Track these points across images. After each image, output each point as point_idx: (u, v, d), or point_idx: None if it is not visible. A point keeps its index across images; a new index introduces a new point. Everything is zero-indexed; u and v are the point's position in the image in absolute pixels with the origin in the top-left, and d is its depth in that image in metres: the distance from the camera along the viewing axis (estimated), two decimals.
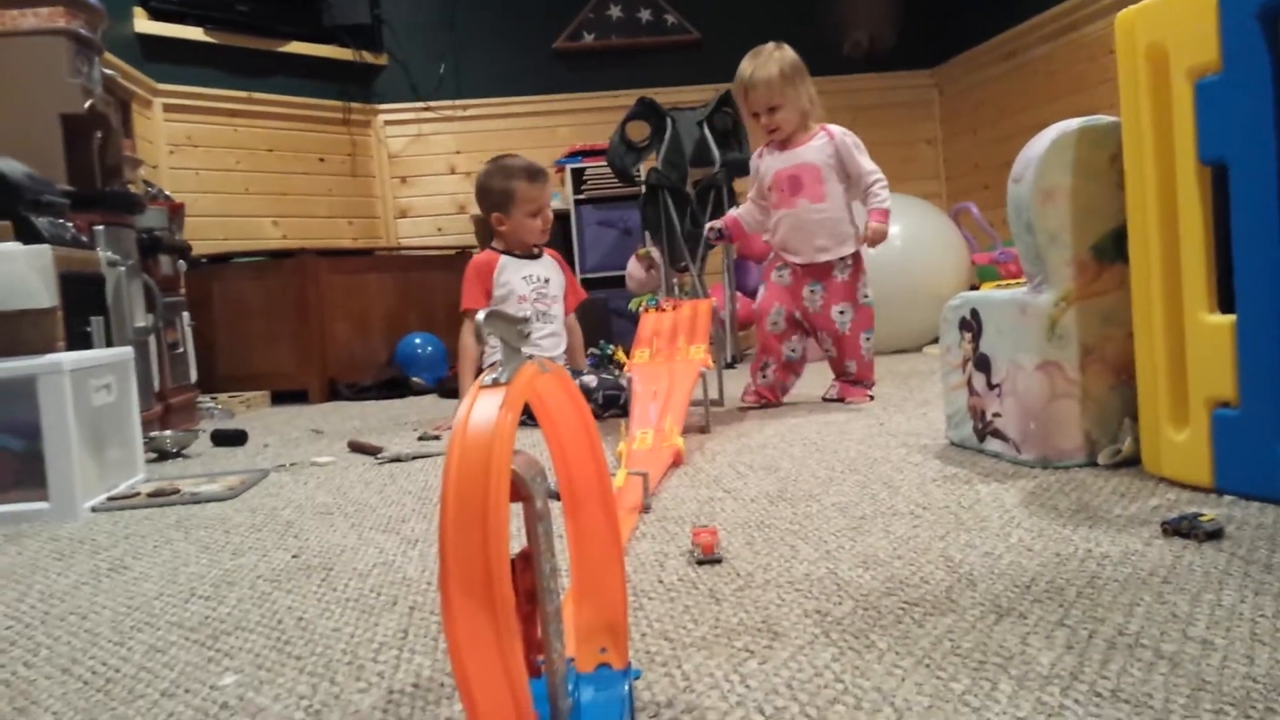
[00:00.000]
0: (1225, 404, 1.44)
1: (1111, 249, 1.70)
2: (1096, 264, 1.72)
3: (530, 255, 3.14)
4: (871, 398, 2.90)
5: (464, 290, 3.10)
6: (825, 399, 2.94)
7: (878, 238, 2.75)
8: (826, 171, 2.83)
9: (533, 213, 3.07)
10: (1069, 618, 1.00)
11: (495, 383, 0.66)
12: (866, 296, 2.89)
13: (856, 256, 2.87)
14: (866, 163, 2.83)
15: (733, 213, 3.08)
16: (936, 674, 0.88)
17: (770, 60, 2.81)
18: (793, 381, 3.01)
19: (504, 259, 3.10)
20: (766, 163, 2.94)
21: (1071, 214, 1.71)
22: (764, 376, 2.95)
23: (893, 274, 4.37)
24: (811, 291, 2.88)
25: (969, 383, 1.95)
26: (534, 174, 3.08)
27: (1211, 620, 0.96)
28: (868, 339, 2.90)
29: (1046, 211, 1.72)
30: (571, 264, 5.01)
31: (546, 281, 3.14)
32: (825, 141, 2.84)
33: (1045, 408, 1.73)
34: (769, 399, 2.94)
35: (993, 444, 1.88)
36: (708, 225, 3.13)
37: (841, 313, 2.87)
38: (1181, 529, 1.25)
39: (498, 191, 3.08)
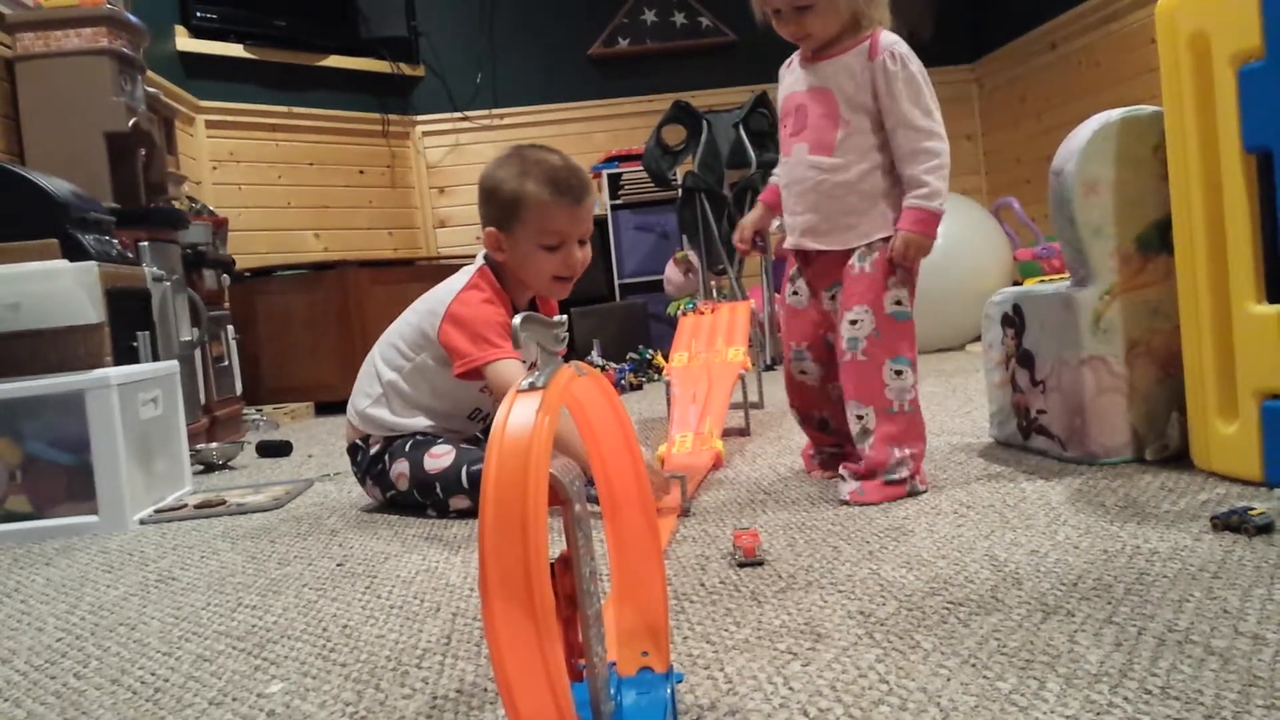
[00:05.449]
0: (1275, 395, 1.41)
1: (1156, 240, 1.68)
2: (1141, 256, 1.69)
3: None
4: (906, 488, 1.63)
5: (475, 335, 1.78)
6: (841, 500, 1.65)
7: (909, 252, 1.66)
8: (846, 106, 1.70)
9: (550, 244, 1.79)
10: (1117, 615, 0.98)
11: (532, 387, 0.67)
12: (900, 305, 1.68)
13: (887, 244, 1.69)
14: (915, 113, 1.66)
15: (773, 178, 1.91)
16: (983, 673, 0.87)
17: None
18: None
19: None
20: (786, 82, 1.85)
21: (1115, 206, 1.69)
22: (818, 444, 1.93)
23: (933, 272, 4.27)
24: (832, 298, 1.77)
25: (1012, 379, 1.92)
26: (563, 186, 1.76)
27: (1263, 615, 0.94)
28: (899, 374, 1.66)
29: (1089, 204, 1.69)
30: (609, 269, 4.99)
31: None
32: (862, 59, 1.69)
33: (1091, 403, 1.71)
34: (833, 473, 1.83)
35: (1038, 441, 1.85)
36: (740, 227, 1.96)
37: (854, 323, 1.67)
38: (1231, 523, 1.23)
39: (505, 195, 1.78)
